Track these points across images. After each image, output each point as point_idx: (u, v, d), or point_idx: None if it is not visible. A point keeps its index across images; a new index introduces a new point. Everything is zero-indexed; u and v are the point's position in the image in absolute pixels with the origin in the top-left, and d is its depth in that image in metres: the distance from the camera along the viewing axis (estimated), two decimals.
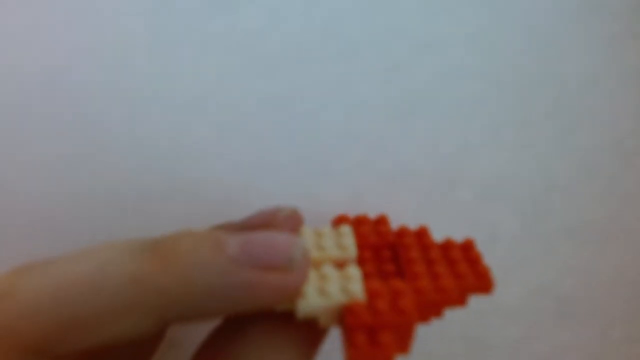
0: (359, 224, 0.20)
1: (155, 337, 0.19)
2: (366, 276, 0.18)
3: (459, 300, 0.17)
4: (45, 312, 0.13)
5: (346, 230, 0.19)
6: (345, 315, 0.15)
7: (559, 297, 0.27)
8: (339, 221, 0.21)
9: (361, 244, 0.19)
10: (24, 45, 0.21)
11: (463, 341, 0.27)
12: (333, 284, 0.16)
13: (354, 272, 0.16)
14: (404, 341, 0.15)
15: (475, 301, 0.26)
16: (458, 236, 0.25)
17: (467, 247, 0.19)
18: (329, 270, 0.16)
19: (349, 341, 0.15)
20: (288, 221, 0.18)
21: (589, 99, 0.24)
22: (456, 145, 0.24)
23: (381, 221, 0.21)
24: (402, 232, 0.20)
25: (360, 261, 0.19)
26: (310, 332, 0.16)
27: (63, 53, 0.21)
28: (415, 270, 0.17)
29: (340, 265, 0.17)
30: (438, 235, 0.24)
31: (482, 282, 0.17)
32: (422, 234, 0.20)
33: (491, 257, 0.26)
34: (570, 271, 0.27)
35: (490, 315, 0.27)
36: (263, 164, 0.23)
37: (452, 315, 0.26)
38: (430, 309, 0.16)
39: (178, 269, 0.14)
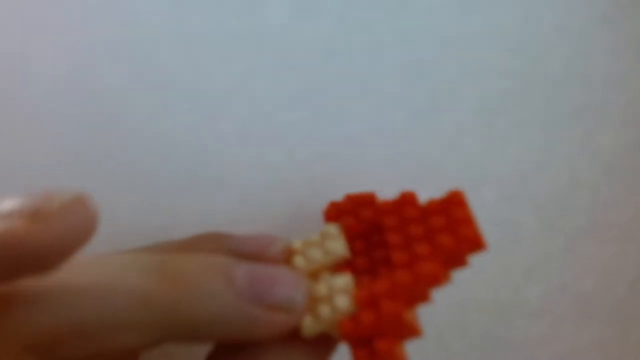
0: (345, 214, 0.19)
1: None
2: (358, 274, 0.18)
3: (445, 276, 0.16)
4: (51, 313, 0.13)
5: (332, 230, 0.18)
6: (340, 334, 0.15)
7: (579, 296, 0.27)
8: (329, 215, 0.20)
9: (350, 236, 0.19)
10: (46, 40, 0.21)
11: (483, 339, 0.27)
12: (323, 306, 0.16)
13: (341, 283, 0.16)
14: (408, 331, 0.15)
15: (495, 299, 0.26)
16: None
17: (452, 203, 0.17)
18: (320, 288, 0.16)
19: (352, 356, 0.15)
20: (280, 256, 0.18)
21: (614, 99, 0.24)
22: (480, 144, 0.24)
23: (365, 202, 0.19)
24: (383, 210, 0.18)
25: (353, 254, 0.18)
26: (324, 338, 0.16)
27: (87, 48, 0.21)
28: (395, 258, 0.16)
29: (335, 269, 0.18)
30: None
31: (469, 246, 0.16)
32: (402, 204, 0.18)
33: (513, 255, 0.26)
34: (592, 270, 0.26)
35: (511, 314, 0.27)
36: (287, 159, 0.23)
37: (472, 314, 0.26)
38: (419, 292, 0.16)
39: (185, 295, 0.14)
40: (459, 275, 0.25)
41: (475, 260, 0.25)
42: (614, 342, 0.27)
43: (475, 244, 0.16)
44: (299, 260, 0.17)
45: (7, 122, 0.22)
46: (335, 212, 0.20)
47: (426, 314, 0.26)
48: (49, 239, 0.12)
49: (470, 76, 0.23)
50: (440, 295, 0.25)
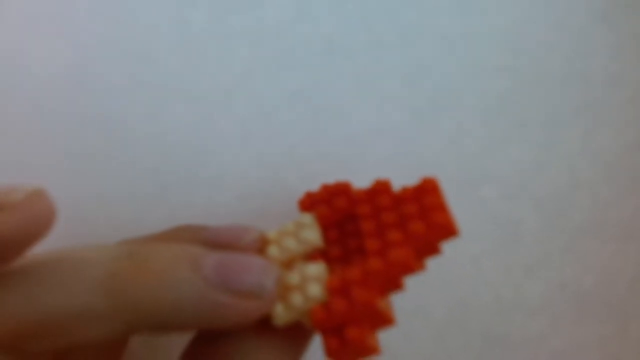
0: (320, 203, 0.19)
1: (122, 341, 0.19)
2: (332, 263, 0.18)
3: (418, 264, 0.16)
4: (12, 306, 0.13)
5: (307, 220, 0.18)
6: (311, 322, 0.15)
7: (579, 294, 0.27)
8: (303, 205, 0.20)
9: (325, 226, 0.19)
10: (46, 39, 0.21)
11: (483, 337, 0.27)
12: (295, 295, 0.16)
13: (314, 271, 0.16)
14: (380, 320, 0.15)
15: (496, 298, 0.26)
16: (481, 234, 0.25)
17: (425, 190, 0.17)
18: (293, 276, 0.16)
19: (323, 345, 0.15)
20: (254, 245, 0.18)
21: (613, 98, 0.24)
22: (480, 144, 0.24)
23: (339, 191, 0.19)
24: (357, 199, 0.18)
25: (328, 243, 0.18)
26: (298, 329, 0.16)
27: (87, 47, 0.21)
28: (368, 246, 0.16)
29: (309, 258, 0.17)
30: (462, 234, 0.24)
31: (441, 232, 0.15)
32: (376, 192, 0.18)
33: (514, 254, 0.26)
34: (592, 269, 0.26)
35: (510, 312, 0.27)
36: (287, 157, 0.23)
37: (473, 312, 0.26)
38: (392, 280, 0.15)
39: (150, 282, 0.14)
40: (460, 274, 0.25)
41: (476, 259, 0.25)
42: (614, 340, 0.27)
43: (448, 230, 0.15)
44: (273, 250, 0.17)
45: (6, 121, 0.22)
46: (310, 202, 0.19)
47: (427, 312, 0.26)
48: (12, 227, 0.13)
49: (470, 76, 0.23)
50: (441, 294, 0.25)
